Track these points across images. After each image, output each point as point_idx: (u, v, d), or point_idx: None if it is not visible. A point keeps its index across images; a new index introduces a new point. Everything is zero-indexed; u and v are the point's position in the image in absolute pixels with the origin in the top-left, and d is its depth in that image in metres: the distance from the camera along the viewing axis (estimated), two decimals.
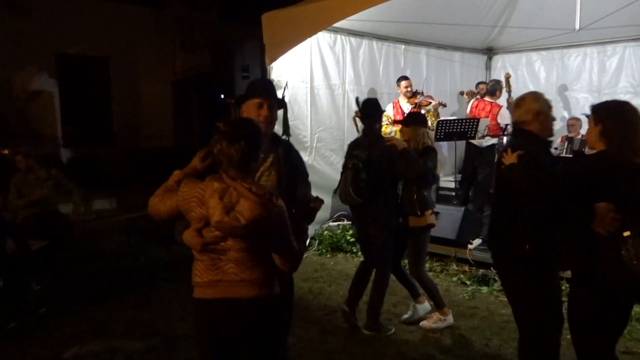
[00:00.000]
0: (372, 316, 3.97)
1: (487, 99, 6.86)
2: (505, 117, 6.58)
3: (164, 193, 2.27)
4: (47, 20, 9.27)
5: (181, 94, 11.63)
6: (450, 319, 4.08)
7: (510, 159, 2.63)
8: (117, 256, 6.31)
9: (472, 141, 6.58)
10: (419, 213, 3.94)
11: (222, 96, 6.13)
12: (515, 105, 2.87)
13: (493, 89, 6.86)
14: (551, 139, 2.90)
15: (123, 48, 10.35)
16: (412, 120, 4.20)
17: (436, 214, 4.09)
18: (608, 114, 2.45)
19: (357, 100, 4.33)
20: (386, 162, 3.79)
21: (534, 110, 2.72)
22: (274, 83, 5.87)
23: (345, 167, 4.01)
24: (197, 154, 2.33)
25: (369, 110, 4.05)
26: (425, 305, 4.21)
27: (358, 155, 3.87)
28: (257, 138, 2.14)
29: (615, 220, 2.34)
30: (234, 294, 2.16)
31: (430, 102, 6.58)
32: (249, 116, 2.56)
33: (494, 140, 6.63)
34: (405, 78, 6.59)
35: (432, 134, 6.01)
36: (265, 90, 2.77)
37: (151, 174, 10.32)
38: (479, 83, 7.51)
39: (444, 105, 6.97)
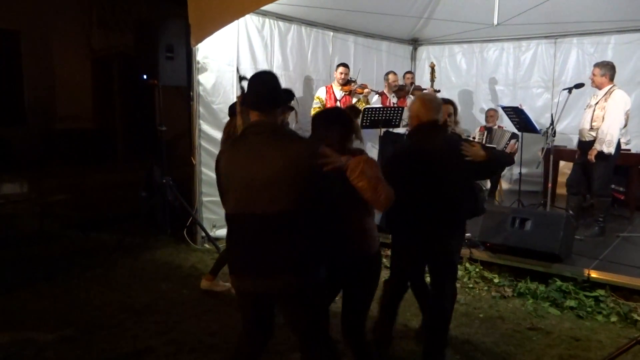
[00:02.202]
0: None
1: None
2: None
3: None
4: None
5: (101, 73, 11.06)
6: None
7: (480, 149, 3.05)
8: (28, 243, 5.94)
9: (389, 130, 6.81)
10: None
11: (145, 77, 5.86)
12: (427, 104, 3.14)
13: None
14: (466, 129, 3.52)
15: (36, 21, 9.65)
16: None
17: None
18: None
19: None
20: None
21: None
22: (200, 65, 5.75)
23: None
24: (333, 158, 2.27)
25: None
26: None
27: None
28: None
29: None
30: None
31: (365, 90, 6.70)
32: None
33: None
34: (343, 65, 6.69)
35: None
36: None
37: (67, 157, 9.90)
38: (406, 73, 7.73)
39: (381, 94, 7.13)
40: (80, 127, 10.46)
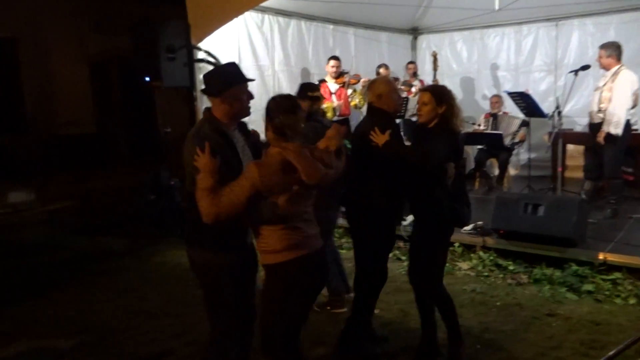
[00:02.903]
0: None
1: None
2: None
3: (215, 194, 2.28)
4: None
5: (99, 77, 11.02)
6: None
7: (383, 137, 3.00)
8: (37, 251, 5.91)
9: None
10: None
11: (147, 79, 5.82)
12: (368, 89, 3.32)
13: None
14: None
15: (32, 29, 9.61)
16: None
17: None
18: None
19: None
20: None
21: (377, 92, 3.18)
22: (201, 65, 5.70)
23: None
24: (202, 155, 2.33)
25: None
26: None
27: None
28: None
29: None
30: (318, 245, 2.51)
31: (359, 81, 6.63)
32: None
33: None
34: (334, 58, 6.60)
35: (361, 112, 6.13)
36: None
37: (70, 162, 9.86)
38: (408, 63, 7.66)
39: None
40: (82, 132, 10.44)
